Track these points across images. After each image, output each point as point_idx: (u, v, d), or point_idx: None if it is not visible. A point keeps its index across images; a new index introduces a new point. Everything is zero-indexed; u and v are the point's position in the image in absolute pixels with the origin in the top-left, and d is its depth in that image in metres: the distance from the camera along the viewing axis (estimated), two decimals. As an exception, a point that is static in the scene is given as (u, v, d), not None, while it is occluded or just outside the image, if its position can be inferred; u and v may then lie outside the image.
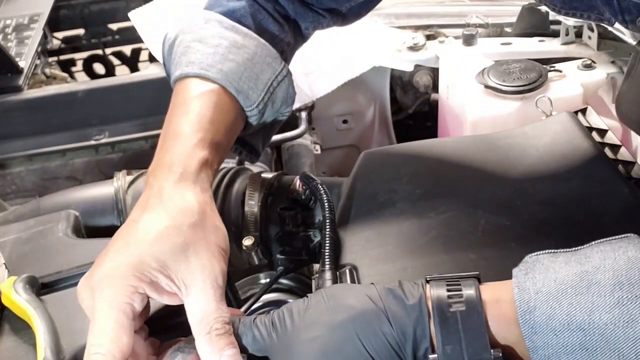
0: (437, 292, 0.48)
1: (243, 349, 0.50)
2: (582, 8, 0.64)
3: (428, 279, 0.50)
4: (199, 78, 0.64)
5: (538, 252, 0.49)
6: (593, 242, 0.48)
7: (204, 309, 0.50)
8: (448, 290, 0.48)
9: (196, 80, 0.65)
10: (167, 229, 0.52)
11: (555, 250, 0.48)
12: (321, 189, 0.69)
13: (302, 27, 0.76)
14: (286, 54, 0.75)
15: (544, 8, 1.14)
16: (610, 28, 1.01)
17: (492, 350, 0.45)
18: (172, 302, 0.52)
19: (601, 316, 0.42)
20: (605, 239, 0.48)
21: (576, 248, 0.48)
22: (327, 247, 0.64)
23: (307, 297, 0.51)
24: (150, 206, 0.55)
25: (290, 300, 0.61)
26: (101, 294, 0.49)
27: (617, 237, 0.48)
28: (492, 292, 0.48)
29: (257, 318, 0.51)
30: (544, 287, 0.45)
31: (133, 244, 0.52)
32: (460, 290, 0.47)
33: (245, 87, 0.66)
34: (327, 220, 0.65)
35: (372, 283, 0.51)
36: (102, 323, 0.48)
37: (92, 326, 0.49)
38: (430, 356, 0.46)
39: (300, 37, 0.78)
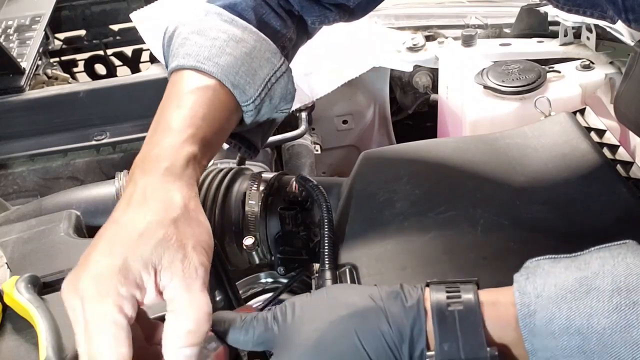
0: (436, 294, 0.48)
1: (244, 345, 0.51)
2: (586, 5, 0.64)
3: (428, 283, 0.50)
4: (195, 71, 0.63)
5: (539, 258, 0.49)
6: (592, 249, 0.48)
7: (183, 298, 0.50)
8: (447, 292, 0.48)
9: (192, 73, 0.64)
10: (149, 224, 0.52)
11: (556, 256, 0.49)
12: (317, 189, 0.69)
13: (308, 22, 0.75)
14: (287, 50, 0.74)
15: (542, 9, 1.14)
16: (608, 29, 1.01)
17: (488, 349, 0.46)
18: (159, 300, 0.52)
19: (599, 321, 0.43)
20: (604, 245, 0.48)
21: (576, 254, 0.49)
22: (325, 247, 0.64)
23: (310, 293, 0.52)
24: (133, 203, 0.54)
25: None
26: (91, 304, 0.48)
27: (615, 243, 0.48)
28: (490, 296, 0.49)
29: (259, 314, 0.52)
30: (544, 292, 0.45)
31: (117, 245, 0.51)
32: (459, 292, 0.48)
33: (242, 81, 0.65)
34: (325, 220, 0.66)
35: (375, 285, 0.52)
36: (98, 336, 0.48)
37: (89, 341, 0.48)
38: (428, 353, 0.46)
39: (305, 33, 0.78)
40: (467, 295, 0.48)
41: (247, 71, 0.65)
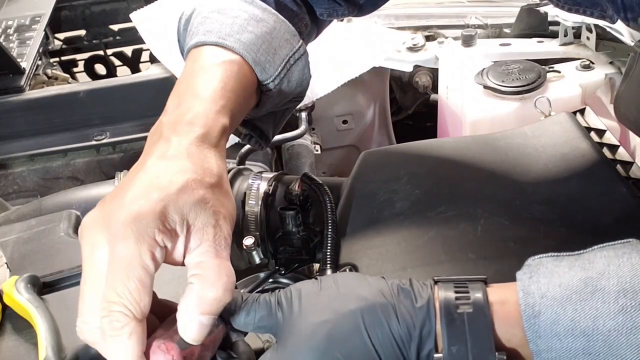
0: (444, 293, 0.48)
1: (244, 327, 0.50)
2: (586, 4, 0.64)
3: (436, 280, 0.50)
4: (217, 46, 0.63)
5: (541, 255, 0.49)
6: (596, 247, 0.48)
7: (212, 263, 0.48)
8: (456, 292, 0.48)
9: (214, 48, 0.63)
10: (189, 181, 0.50)
11: (558, 254, 0.49)
12: (322, 189, 0.69)
13: (317, 12, 0.75)
14: (303, 35, 0.73)
15: (542, 9, 1.14)
16: (608, 29, 1.01)
17: (496, 353, 0.45)
18: (179, 262, 0.50)
19: (605, 322, 0.43)
20: (607, 244, 0.48)
21: (579, 252, 0.48)
22: (328, 247, 0.64)
23: (317, 279, 0.51)
24: (169, 157, 0.52)
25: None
26: (124, 243, 0.46)
27: (619, 242, 0.48)
28: (499, 294, 0.48)
29: (262, 296, 0.51)
30: (549, 292, 0.45)
31: (156, 190, 0.48)
32: (468, 292, 0.48)
33: (263, 59, 0.64)
34: (329, 221, 0.66)
35: (383, 277, 0.51)
36: (123, 278, 0.45)
37: (111, 282, 0.45)
38: (435, 355, 0.46)
39: (315, 25, 0.78)
40: (476, 295, 0.47)
41: (267, 49, 0.64)
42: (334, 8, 0.75)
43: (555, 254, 0.49)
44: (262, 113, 0.70)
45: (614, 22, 0.63)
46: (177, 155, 0.52)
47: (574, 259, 0.48)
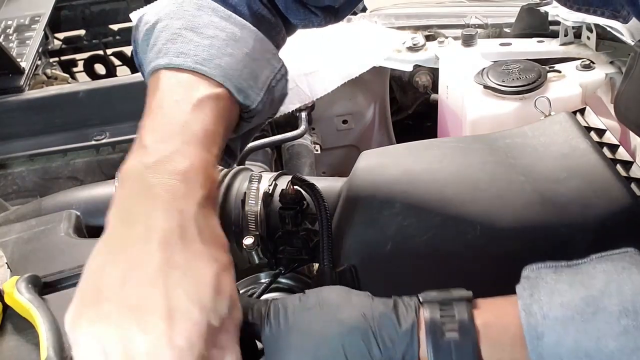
0: (430, 317, 0.48)
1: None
2: (597, 4, 0.63)
3: (421, 301, 0.50)
4: (193, 73, 0.57)
5: (539, 265, 0.49)
6: (594, 256, 0.48)
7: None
8: (441, 317, 0.48)
9: (190, 76, 0.57)
10: (217, 276, 0.47)
11: (557, 264, 0.49)
12: (313, 189, 0.69)
13: (292, 22, 0.70)
14: (280, 47, 0.69)
15: (542, 9, 1.14)
16: (609, 29, 1.01)
17: None
18: None
19: (608, 343, 0.43)
20: (605, 253, 0.48)
21: (577, 262, 0.48)
22: (324, 247, 0.64)
23: (303, 294, 0.51)
24: (189, 239, 0.47)
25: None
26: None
27: (617, 252, 0.48)
28: (485, 316, 0.48)
29: (255, 305, 0.51)
30: (551, 312, 0.45)
31: (195, 299, 0.45)
32: (454, 315, 0.48)
33: (245, 85, 0.59)
34: (323, 220, 0.66)
35: (369, 295, 0.51)
36: None
37: None
38: None
39: (288, 34, 0.73)
40: (462, 317, 0.48)
41: (249, 74, 0.60)
42: (310, 19, 0.70)
43: (554, 263, 0.49)
44: (236, 136, 0.65)
45: (626, 22, 0.62)
46: (194, 239, 0.47)
47: (573, 272, 0.47)
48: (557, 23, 1.12)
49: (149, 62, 0.59)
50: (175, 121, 0.54)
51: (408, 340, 0.47)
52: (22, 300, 0.62)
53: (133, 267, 0.45)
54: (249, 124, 0.63)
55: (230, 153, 0.68)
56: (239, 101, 0.59)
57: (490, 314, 0.48)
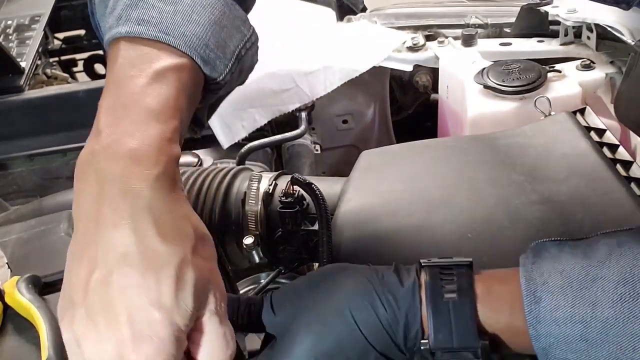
0: (430, 279, 0.49)
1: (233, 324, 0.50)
2: None
3: (422, 264, 0.51)
4: (155, 43, 0.53)
5: (544, 239, 0.50)
6: (599, 232, 0.49)
7: (215, 331, 0.47)
8: (442, 278, 0.49)
9: (153, 45, 0.53)
10: (197, 269, 0.46)
11: (561, 239, 0.50)
12: (311, 188, 0.69)
13: None
14: (250, 10, 0.64)
15: (543, 8, 1.14)
16: (609, 28, 1.01)
17: (480, 340, 0.47)
18: None
19: (603, 311, 0.44)
20: (610, 230, 0.49)
21: (581, 238, 0.49)
22: (323, 247, 0.65)
23: (304, 277, 0.53)
24: (164, 234, 0.46)
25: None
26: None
27: (621, 229, 0.49)
28: (484, 283, 0.49)
29: (256, 299, 0.52)
30: (550, 279, 0.46)
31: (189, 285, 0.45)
32: (454, 278, 0.49)
33: (213, 55, 0.55)
34: (322, 220, 0.66)
35: (370, 264, 0.52)
36: None
37: None
38: (422, 341, 0.48)
39: None
40: (462, 282, 0.49)
41: (217, 43, 0.55)
42: None
43: (558, 239, 0.50)
44: (202, 106, 0.62)
45: (627, 9, 0.61)
46: (166, 232, 0.46)
47: (576, 245, 0.48)
48: (557, 23, 1.12)
49: (108, 28, 0.55)
50: (128, 99, 0.50)
51: (410, 298, 0.48)
52: (22, 300, 0.62)
53: (92, 268, 0.45)
54: (215, 94, 0.60)
55: (197, 121, 0.64)
56: (204, 73, 0.56)
57: (491, 280, 0.49)
